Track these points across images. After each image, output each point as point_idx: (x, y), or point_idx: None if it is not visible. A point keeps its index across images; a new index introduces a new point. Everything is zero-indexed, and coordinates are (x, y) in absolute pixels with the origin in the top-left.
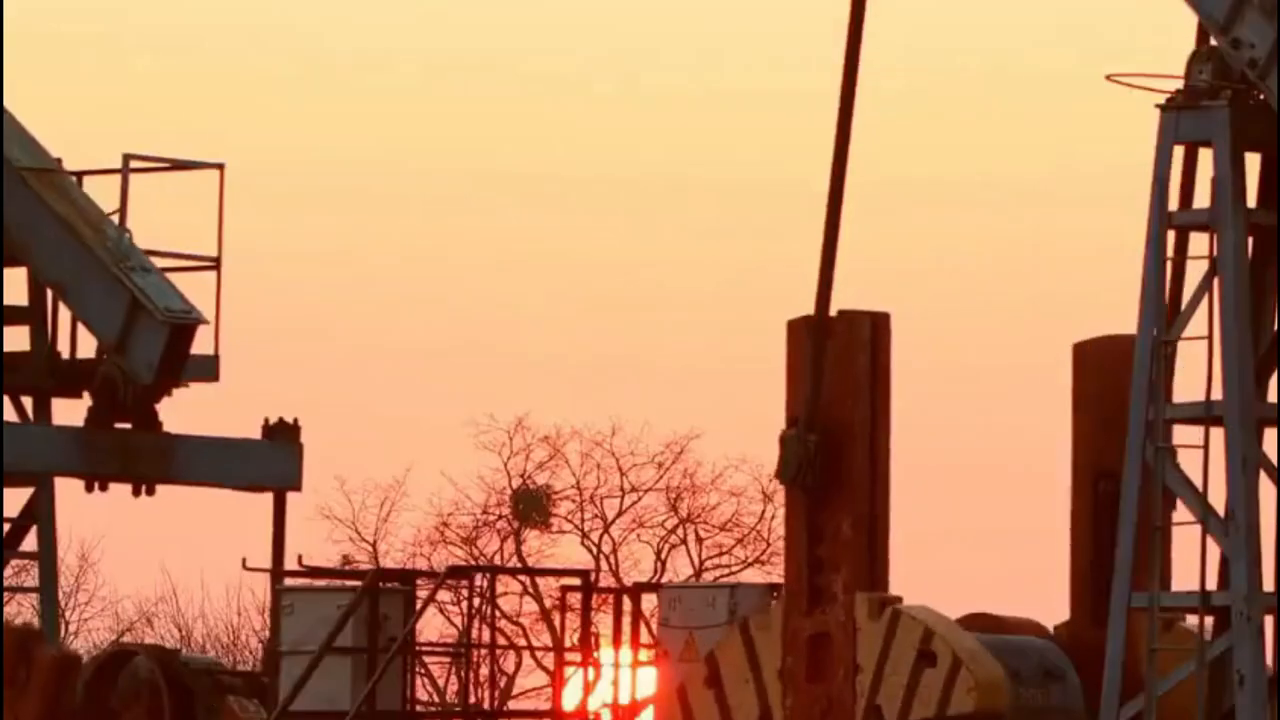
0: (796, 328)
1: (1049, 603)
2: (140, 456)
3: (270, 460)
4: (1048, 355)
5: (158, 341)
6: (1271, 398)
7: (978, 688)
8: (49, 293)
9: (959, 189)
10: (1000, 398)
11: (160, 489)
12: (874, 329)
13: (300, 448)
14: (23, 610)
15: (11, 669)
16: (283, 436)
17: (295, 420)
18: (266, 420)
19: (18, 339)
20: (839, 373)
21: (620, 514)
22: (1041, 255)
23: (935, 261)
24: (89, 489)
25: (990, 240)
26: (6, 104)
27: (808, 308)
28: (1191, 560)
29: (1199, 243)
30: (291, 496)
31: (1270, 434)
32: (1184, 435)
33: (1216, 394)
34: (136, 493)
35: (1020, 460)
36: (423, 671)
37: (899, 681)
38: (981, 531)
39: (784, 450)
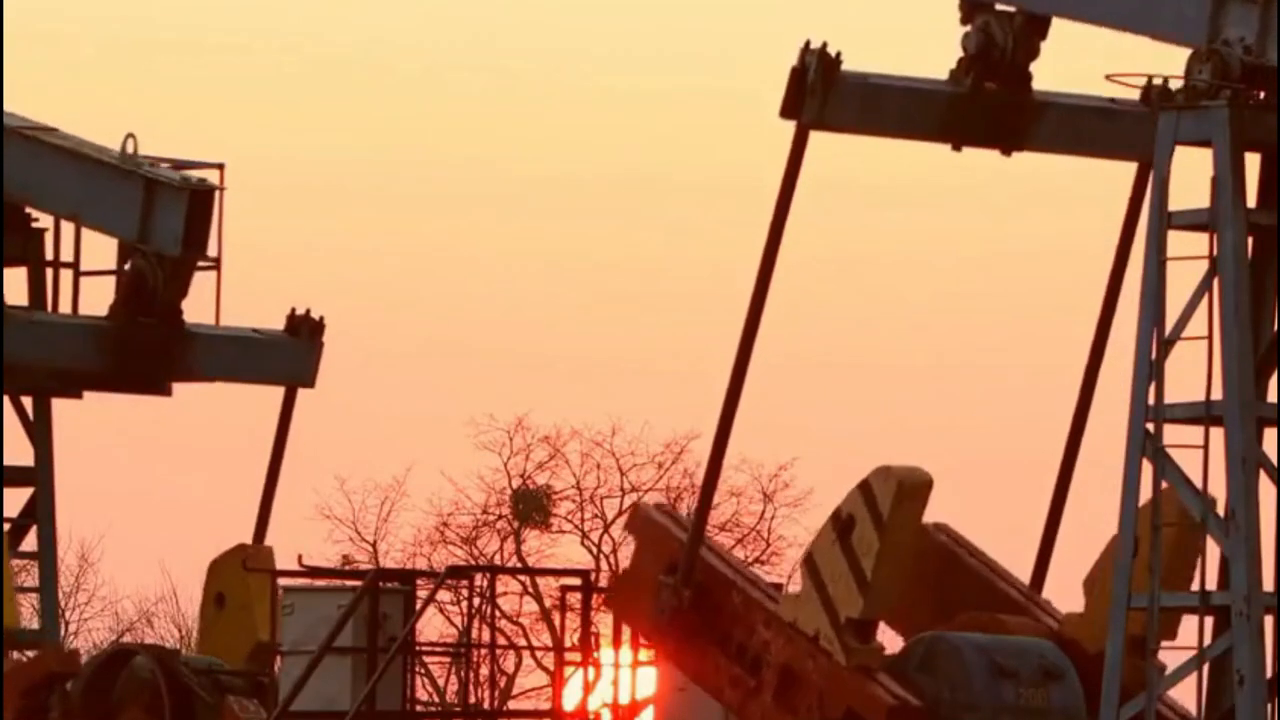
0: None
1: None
2: (161, 352)
3: (287, 355)
4: (1046, 353)
5: (179, 211)
6: (1271, 398)
7: (890, 475)
8: (49, 292)
9: (954, 189)
10: (1000, 397)
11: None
12: None
13: (320, 345)
14: (23, 610)
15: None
16: (305, 331)
17: (320, 318)
18: (292, 310)
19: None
20: None
21: (620, 514)
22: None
23: (935, 261)
24: (101, 382)
25: (989, 241)
26: (6, 104)
27: (809, 307)
28: None
29: (1199, 243)
30: (290, 501)
31: (1270, 434)
32: (1184, 435)
33: (1216, 394)
34: (150, 390)
35: (1021, 460)
36: (423, 671)
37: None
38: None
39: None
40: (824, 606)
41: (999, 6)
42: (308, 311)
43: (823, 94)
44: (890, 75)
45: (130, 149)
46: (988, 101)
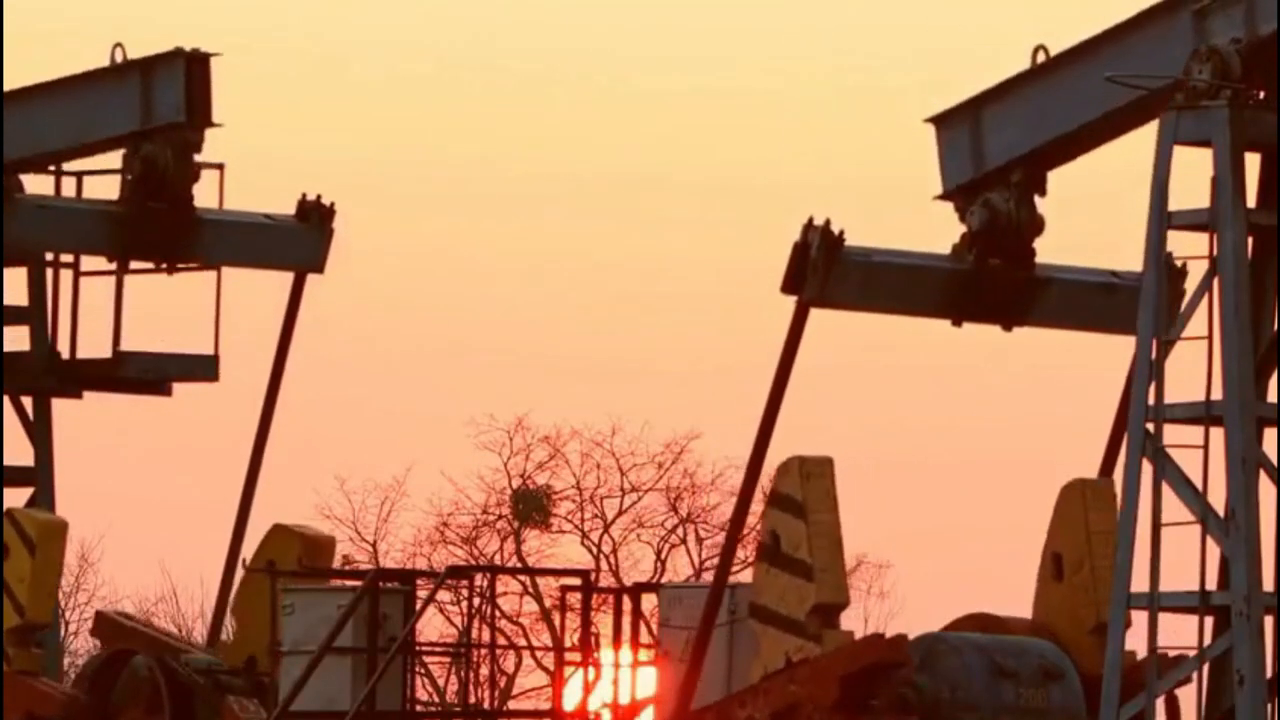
0: None
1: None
2: (170, 235)
3: (297, 240)
4: (1045, 354)
5: (177, 80)
6: (1271, 398)
7: (788, 465)
8: (49, 292)
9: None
10: (996, 396)
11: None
12: None
13: (330, 231)
14: None
15: None
16: (315, 217)
17: (331, 203)
18: (303, 196)
19: (18, 339)
20: None
21: (620, 514)
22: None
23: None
24: (110, 260)
25: None
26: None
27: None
28: (1191, 560)
29: (1199, 243)
30: (290, 501)
31: (1270, 434)
32: (1184, 435)
33: (1216, 394)
34: (158, 268)
35: (1021, 458)
36: (423, 671)
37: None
38: (981, 531)
39: None
40: (787, 630)
41: (994, 170)
42: (318, 197)
43: (824, 272)
44: (892, 251)
45: (119, 57)
46: (991, 279)
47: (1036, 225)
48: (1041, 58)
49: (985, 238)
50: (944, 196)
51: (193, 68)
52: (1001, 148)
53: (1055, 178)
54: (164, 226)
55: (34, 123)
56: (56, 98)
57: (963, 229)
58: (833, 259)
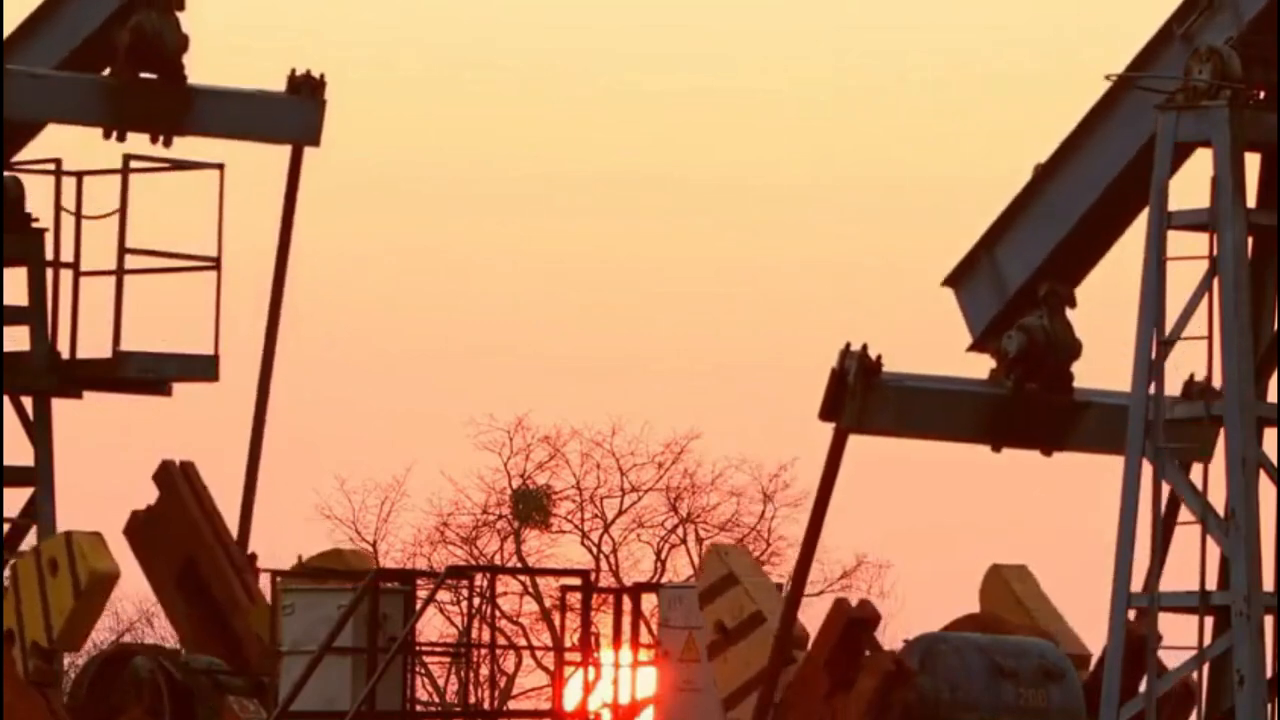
0: None
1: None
2: (163, 106)
3: (291, 113)
4: None
5: None
6: (1271, 398)
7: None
8: (49, 292)
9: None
10: None
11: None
12: None
13: (323, 103)
14: None
15: None
16: (307, 89)
17: (321, 75)
18: (292, 71)
19: (18, 339)
20: None
21: (620, 514)
22: None
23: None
24: (105, 136)
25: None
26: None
27: (809, 308)
28: (1191, 560)
29: (1199, 243)
30: (290, 500)
31: (1270, 434)
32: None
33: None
34: (154, 140)
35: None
36: (423, 671)
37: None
38: (981, 531)
39: None
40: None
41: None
42: (308, 71)
43: (862, 398)
44: (928, 376)
45: None
46: (1029, 404)
47: (1074, 345)
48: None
49: (1023, 363)
50: (976, 347)
51: None
52: (1019, 269)
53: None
54: (158, 97)
55: (34, 50)
56: (48, 17)
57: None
58: (870, 385)
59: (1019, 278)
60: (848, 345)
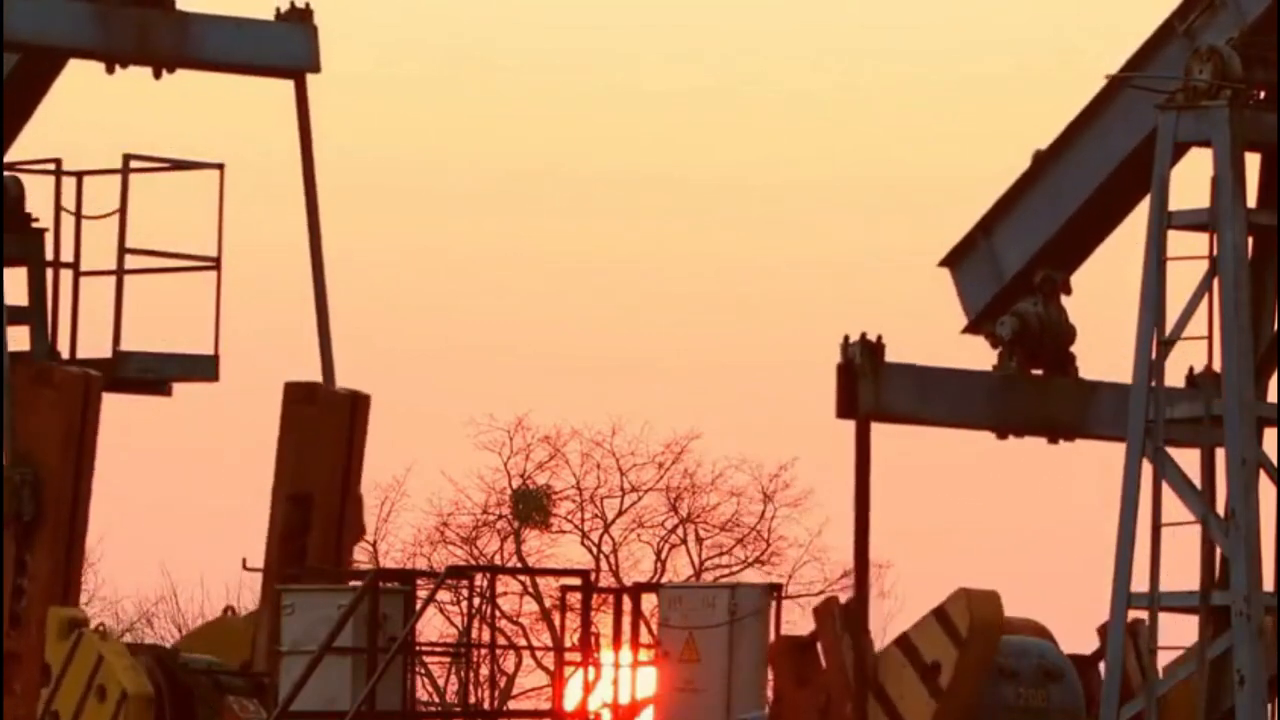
0: None
1: (1047, 601)
2: (156, 31)
3: (286, 40)
4: None
5: None
6: (1271, 398)
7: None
8: (49, 292)
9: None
10: None
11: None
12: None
13: (315, 29)
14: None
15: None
16: (295, 17)
17: (307, 4)
18: (278, 10)
19: (18, 339)
20: None
21: (620, 514)
22: None
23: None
24: (109, 70)
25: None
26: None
27: (810, 308)
28: (1191, 560)
29: (1199, 243)
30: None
31: (1270, 434)
32: (1184, 434)
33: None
34: (157, 74)
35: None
36: (423, 671)
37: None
38: (981, 531)
39: None
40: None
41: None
42: (292, 3)
43: (874, 378)
44: (934, 366)
45: None
46: (1037, 383)
47: (1068, 332)
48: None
49: (1019, 346)
50: (971, 328)
51: None
52: (1017, 254)
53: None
54: (151, 24)
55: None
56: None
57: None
58: (879, 363)
59: (1016, 264)
60: (846, 337)
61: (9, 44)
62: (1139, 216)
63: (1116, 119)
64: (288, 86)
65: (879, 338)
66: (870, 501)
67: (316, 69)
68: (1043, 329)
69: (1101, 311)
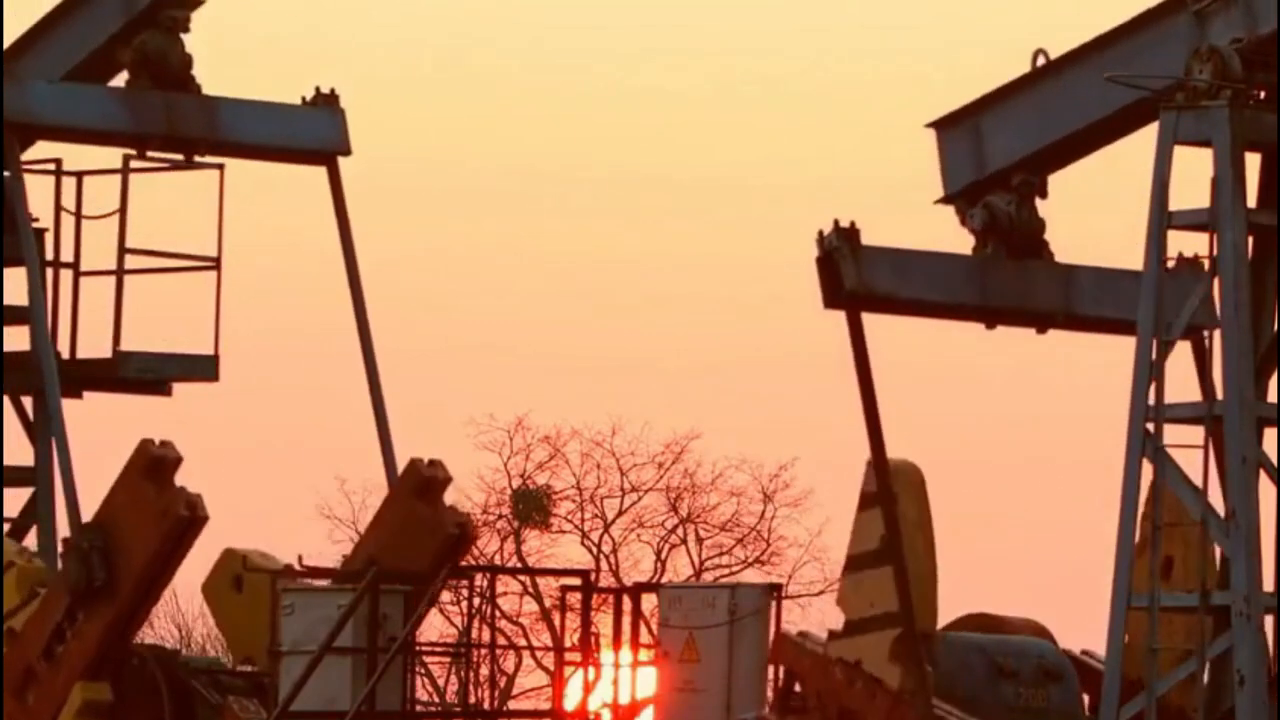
0: None
1: (1048, 600)
2: (185, 115)
3: (317, 124)
4: (1044, 354)
5: None
6: (1271, 398)
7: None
8: (49, 292)
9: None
10: (999, 396)
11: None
12: None
13: (343, 113)
14: None
15: None
16: (322, 102)
17: (332, 90)
18: (303, 98)
19: (18, 339)
20: None
21: (620, 514)
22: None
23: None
24: (140, 155)
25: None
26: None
27: (810, 308)
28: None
29: (1199, 243)
30: (290, 500)
31: (1270, 434)
32: (1184, 435)
33: (1216, 394)
34: (189, 160)
35: (1022, 458)
36: (423, 671)
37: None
38: (981, 531)
39: None
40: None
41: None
42: (317, 89)
43: (854, 259)
44: (913, 249)
45: None
46: (1017, 266)
47: (1038, 230)
48: (1041, 60)
49: (991, 235)
50: (945, 200)
51: None
52: (1002, 152)
53: (1054, 178)
54: (177, 107)
55: (30, 68)
56: (45, 33)
57: (965, 233)
58: (857, 245)
59: (998, 162)
60: (821, 230)
61: (39, 130)
62: (1139, 216)
63: (1145, 52)
64: (286, 83)
65: (852, 223)
66: (874, 390)
67: (347, 151)
68: (1011, 228)
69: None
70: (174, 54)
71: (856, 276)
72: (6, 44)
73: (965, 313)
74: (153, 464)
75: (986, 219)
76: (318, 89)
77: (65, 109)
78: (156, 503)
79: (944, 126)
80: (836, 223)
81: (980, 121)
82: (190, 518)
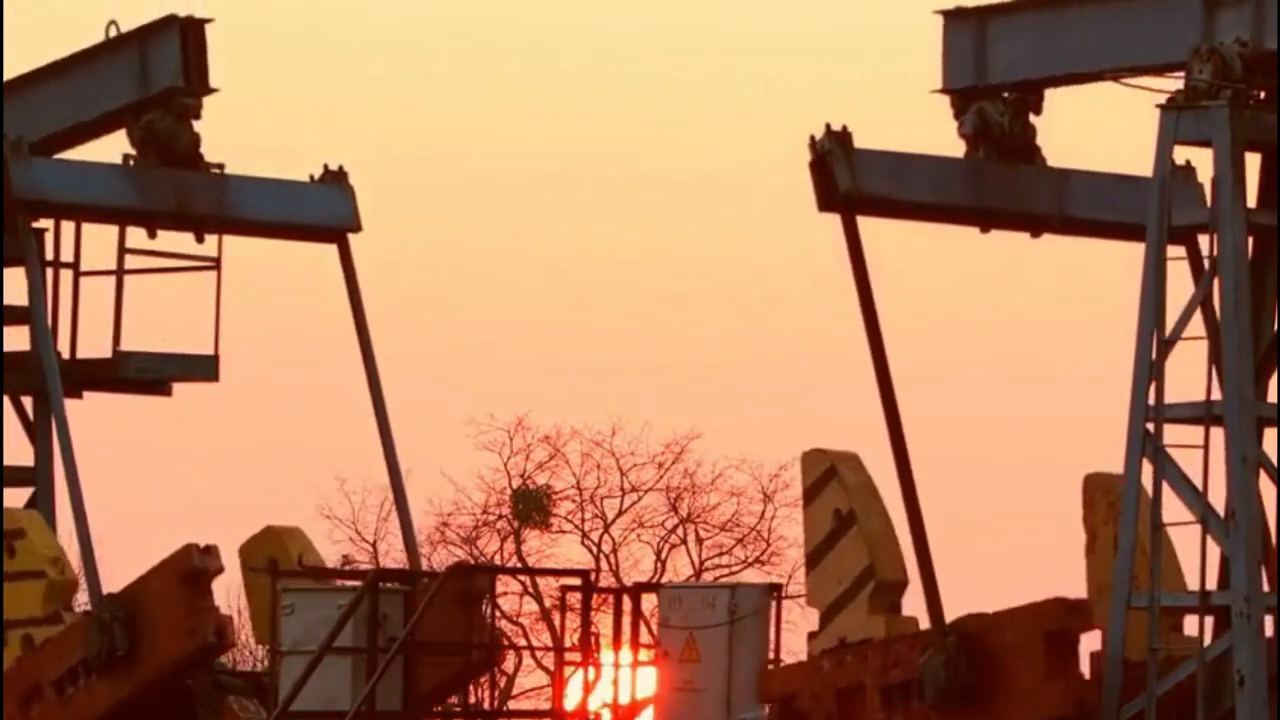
0: None
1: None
2: (194, 192)
3: (326, 201)
4: (1041, 351)
5: (173, 45)
6: (1271, 398)
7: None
8: (49, 292)
9: None
10: (1000, 396)
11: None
12: None
13: (352, 190)
14: None
15: None
16: (331, 179)
17: (340, 167)
18: (311, 176)
19: (18, 339)
20: None
21: (620, 514)
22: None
23: (925, 258)
24: (151, 235)
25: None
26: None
27: (810, 308)
28: (1191, 560)
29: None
30: (290, 500)
31: (1270, 434)
32: (1184, 435)
33: (1216, 394)
34: (200, 238)
35: (1022, 457)
36: None
37: None
38: (982, 531)
39: None
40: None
41: (994, 85)
42: (325, 166)
43: (847, 162)
44: (906, 152)
45: (114, 33)
46: (1010, 169)
47: (1030, 133)
48: None
49: (983, 142)
50: (942, 91)
51: (188, 33)
52: (1003, 66)
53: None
54: (186, 185)
55: (34, 107)
56: (55, 79)
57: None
58: (850, 148)
59: (998, 75)
60: (812, 136)
61: (48, 208)
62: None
63: (1151, 17)
64: (286, 82)
65: (844, 126)
66: (872, 294)
67: (358, 228)
68: (1002, 137)
69: (1103, 312)
70: (182, 135)
71: (850, 179)
72: (20, 70)
73: (960, 215)
74: (192, 574)
75: (979, 125)
76: (326, 166)
77: (74, 186)
78: (187, 618)
79: (951, 19)
80: (828, 126)
81: (988, 25)
82: (216, 644)
